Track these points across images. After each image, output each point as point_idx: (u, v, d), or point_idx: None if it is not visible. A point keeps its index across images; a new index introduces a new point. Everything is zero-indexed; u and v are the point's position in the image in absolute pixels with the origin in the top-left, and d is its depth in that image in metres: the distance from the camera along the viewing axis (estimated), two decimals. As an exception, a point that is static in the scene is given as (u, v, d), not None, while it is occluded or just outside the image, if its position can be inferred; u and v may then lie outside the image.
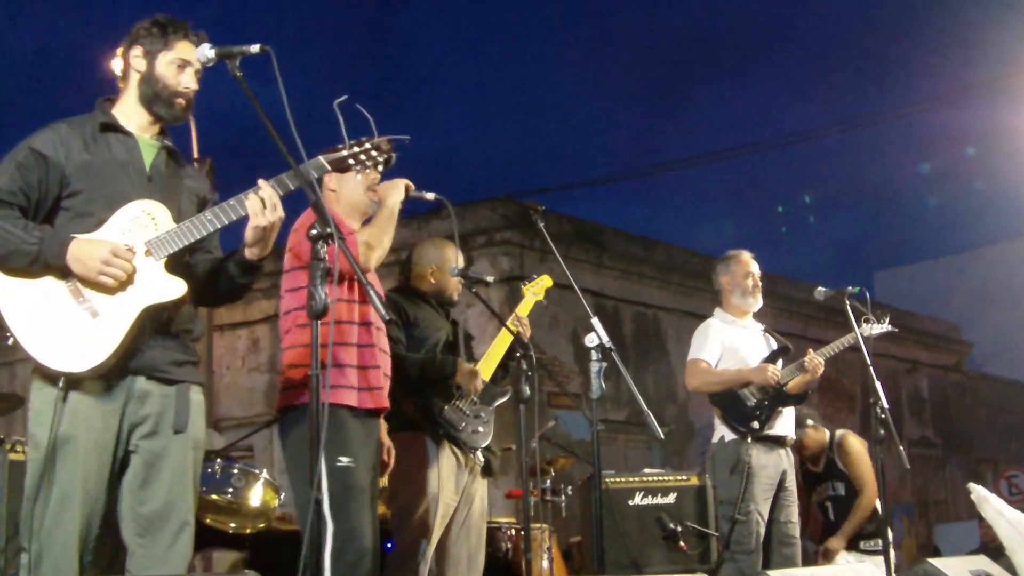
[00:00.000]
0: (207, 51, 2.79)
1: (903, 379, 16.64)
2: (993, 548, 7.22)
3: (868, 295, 4.98)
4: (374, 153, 2.90)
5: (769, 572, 4.04)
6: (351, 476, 3.32)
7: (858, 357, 4.75)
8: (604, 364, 3.74)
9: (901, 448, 4.59)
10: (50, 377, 2.72)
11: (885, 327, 5.00)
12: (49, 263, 2.73)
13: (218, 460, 4.52)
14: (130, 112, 2.99)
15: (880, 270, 26.56)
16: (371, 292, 2.96)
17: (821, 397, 14.98)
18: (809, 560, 7.91)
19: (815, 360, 4.84)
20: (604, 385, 3.72)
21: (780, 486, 4.81)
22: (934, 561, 4.07)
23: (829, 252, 50.74)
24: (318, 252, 2.78)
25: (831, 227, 56.16)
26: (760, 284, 5.11)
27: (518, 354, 4.19)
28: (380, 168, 2.98)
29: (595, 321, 3.76)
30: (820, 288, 4.91)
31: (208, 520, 4.55)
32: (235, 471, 4.56)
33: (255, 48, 2.75)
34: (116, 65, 3.08)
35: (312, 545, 2.63)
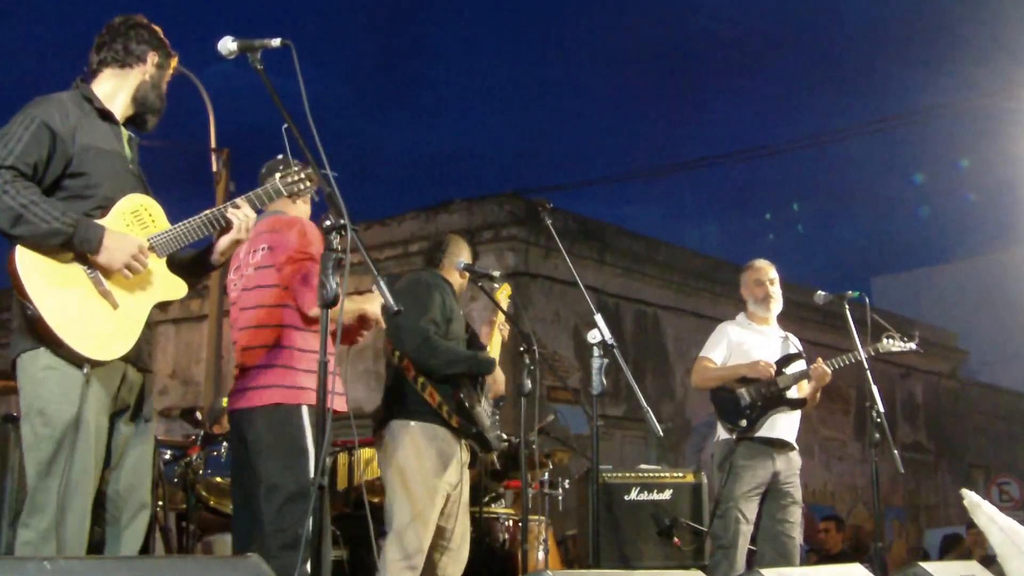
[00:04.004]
0: (229, 43, 2.83)
1: (898, 384, 16.70)
2: (974, 555, 7.28)
3: (867, 300, 5.01)
4: (309, 183, 3.17)
5: (763, 571, 4.05)
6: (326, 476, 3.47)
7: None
8: (605, 360, 3.74)
9: (895, 452, 4.64)
10: (73, 360, 2.74)
11: (911, 345, 4.98)
12: (79, 249, 2.76)
13: (224, 443, 4.52)
14: (115, 101, 3.03)
15: (878, 276, 26.63)
16: (382, 284, 3.02)
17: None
18: (802, 559, 7.97)
19: (820, 368, 4.85)
20: (604, 381, 3.73)
21: (774, 487, 4.82)
22: (924, 565, 4.08)
23: (828, 258, 50.81)
24: (331, 242, 2.84)
25: (831, 233, 56.24)
26: (771, 292, 5.12)
27: (522, 348, 4.25)
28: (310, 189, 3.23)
29: (598, 318, 3.74)
30: (820, 292, 4.94)
31: (212, 502, 4.58)
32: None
33: (276, 42, 2.81)
34: (115, 48, 3.04)
35: (316, 528, 2.76)
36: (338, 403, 3.57)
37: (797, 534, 4.85)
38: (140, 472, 2.93)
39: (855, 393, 15.17)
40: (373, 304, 3.56)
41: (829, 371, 4.87)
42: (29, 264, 2.72)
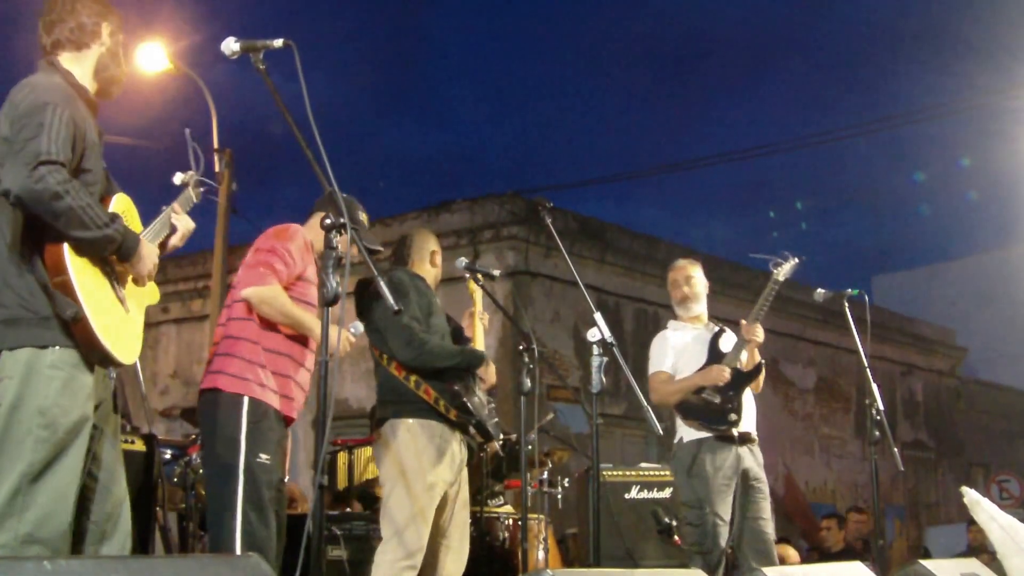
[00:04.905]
0: (232, 44, 2.81)
1: (898, 382, 16.69)
2: (979, 550, 7.26)
3: (867, 298, 5.01)
4: (201, 189, 3.29)
5: (764, 570, 4.03)
6: (267, 472, 3.46)
7: (855, 359, 4.77)
8: (605, 359, 3.73)
9: (896, 450, 4.62)
10: (90, 362, 2.70)
11: (792, 263, 4.82)
12: (120, 255, 2.75)
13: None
14: (85, 84, 2.90)
15: (878, 275, 26.63)
16: (382, 283, 3.02)
17: (817, 398, 15.04)
18: (803, 558, 7.95)
19: (749, 329, 4.75)
20: (604, 379, 3.72)
21: (745, 483, 4.72)
22: (925, 563, 4.08)
23: (829, 256, 50.80)
24: (331, 241, 2.84)
25: (832, 231, 56.22)
26: (687, 293, 4.99)
27: (522, 347, 4.25)
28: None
29: (598, 316, 3.73)
30: (820, 290, 4.92)
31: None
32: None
33: (278, 42, 2.79)
34: (68, 27, 2.87)
35: (316, 532, 2.74)
36: (293, 408, 3.62)
37: (771, 530, 4.77)
38: (115, 463, 2.88)
39: (855, 391, 15.17)
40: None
41: (758, 325, 4.76)
42: (77, 264, 2.66)
